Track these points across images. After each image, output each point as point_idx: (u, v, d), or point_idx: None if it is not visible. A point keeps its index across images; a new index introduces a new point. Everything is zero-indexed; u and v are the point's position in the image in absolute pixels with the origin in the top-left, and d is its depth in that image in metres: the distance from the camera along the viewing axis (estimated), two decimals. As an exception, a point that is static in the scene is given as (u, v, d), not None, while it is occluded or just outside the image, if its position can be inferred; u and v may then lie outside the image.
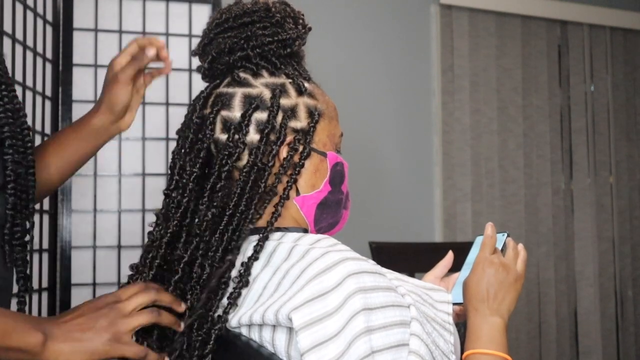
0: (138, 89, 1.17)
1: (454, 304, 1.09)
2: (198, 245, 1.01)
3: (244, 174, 1.01)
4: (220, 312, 0.97)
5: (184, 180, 1.04)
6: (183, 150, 1.07)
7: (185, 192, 1.04)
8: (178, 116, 1.81)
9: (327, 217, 1.07)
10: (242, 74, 1.06)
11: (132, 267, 1.05)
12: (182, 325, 0.99)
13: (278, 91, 1.04)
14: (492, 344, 1.00)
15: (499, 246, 1.10)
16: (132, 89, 1.15)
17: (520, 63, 3.10)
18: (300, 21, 1.10)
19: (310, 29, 1.11)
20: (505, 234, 1.13)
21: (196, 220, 1.03)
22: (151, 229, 1.06)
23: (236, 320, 0.96)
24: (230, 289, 0.98)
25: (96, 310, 0.91)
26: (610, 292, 3.25)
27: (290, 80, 1.06)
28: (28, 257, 1.02)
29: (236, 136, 1.02)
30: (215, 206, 1.01)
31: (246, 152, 1.02)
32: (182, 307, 1.00)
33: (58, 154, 1.18)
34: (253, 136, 1.02)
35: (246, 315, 0.94)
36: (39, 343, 0.84)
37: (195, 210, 1.04)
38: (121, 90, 1.13)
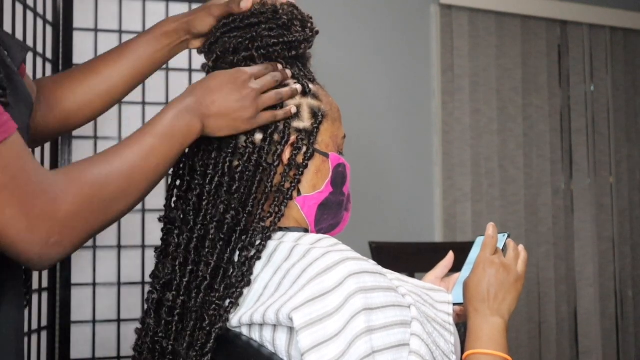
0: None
1: (455, 304, 1.09)
2: (214, 245, 1.00)
3: (248, 173, 1.01)
4: (221, 310, 0.97)
5: (196, 182, 1.03)
6: (188, 149, 1.06)
7: (202, 194, 1.02)
8: (178, 116, 1.81)
9: (328, 218, 1.07)
10: None
11: (152, 275, 1.05)
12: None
13: None
14: (493, 344, 1.00)
15: (500, 246, 1.10)
16: (212, 25, 1.13)
17: (520, 63, 3.10)
18: (309, 25, 1.11)
19: (317, 32, 1.12)
20: (506, 235, 1.13)
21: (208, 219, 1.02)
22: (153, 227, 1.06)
23: (237, 319, 0.96)
24: (232, 288, 0.98)
25: (239, 92, 1.00)
26: (610, 292, 3.25)
27: (294, 81, 1.07)
28: None
29: (240, 135, 1.02)
30: (221, 207, 1.00)
31: (250, 152, 1.03)
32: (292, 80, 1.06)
33: (122, 59, 1.14)
34: (257, 136, 1.03)
35: (247, 314, 0.94)
36: (199, 129, 0.98)
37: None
38: (203, 18, 1.13)
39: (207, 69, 1.12)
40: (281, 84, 1.05)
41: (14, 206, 0.79)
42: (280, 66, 1.06)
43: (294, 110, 1.04)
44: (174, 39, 1.16)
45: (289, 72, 1.07)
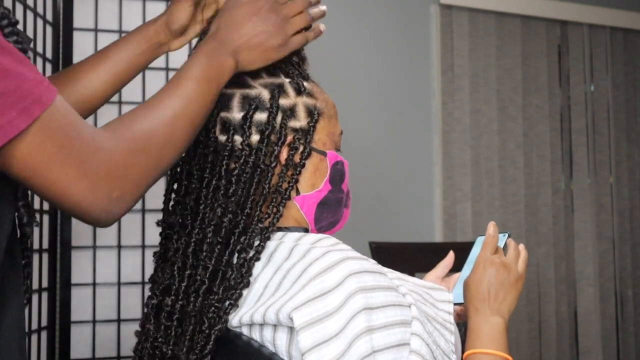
0: (197, 20, 1.16)
1: (455, 304, 1.09)
2: (212, 249, 1.00)
3: (245, 175, 1.01)
4: (221, 312, 0.97)
5: (194, 185, 1.03)
6: (185, 153, 1.06)
7: (200, 198, 1.02)
8: (178, 116, 1.81)
9: (328, 216, 1.06)
10: (240, 74, 1.05)
11: (151, 279, 1.05)
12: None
13: (277, 91, 1.04)
14: (493, 344, 1.00)
15: (500, 246, 1.10)
16: (192, 13, 1.13)
17: (520, 63, 3.10)
18: None
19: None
20: (507, 234, 1.13)
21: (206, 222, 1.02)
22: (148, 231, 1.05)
23: (237, 319, 0.96)
24: (232, 290, 0.98)
25: (264, 22, 1.01)
26: (610, 292, 3.25)
27: (289, 80, 1.06)
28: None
29: (236, 137, 1.02)
30: (219, 210, 1.00)
31: (247, 154, 1.02)
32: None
33: (102, 63, 1.13)
34: (253, 137, 1.02)
35: (247, 314, 0.94)
36: (233, 65, 0.99)
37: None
38: (181, 7, 1.12)
39: None
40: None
41: (74, 166, 0.79)
42: None
43: (323, 27, 1.05)
44: (154, 42, 1.15)
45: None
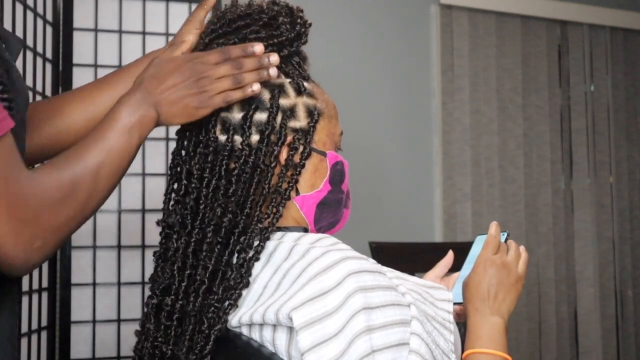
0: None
1: (455, 303, 1.09)
2: (211, 249, 1.00)
3: (245, 175, 1.01)
4: (220, 312, 0.97)
5: (193, 185, 1.03)
6: (185, 153, 1.06)
7: (200, 198, 1.02)
8: (178, 116, 1.81)
9: (327, 216, 1.06)
10: None
11: (151, 279, 1.05)
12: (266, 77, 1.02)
13: (277, 91, 1.03)
14: (492, 344, 1.00)
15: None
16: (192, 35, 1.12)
17: (520, 63, 3.10)
18: (299, 20, 1.07)
19: (310, 24, 1.09)
20: (505, 234, 1.13)
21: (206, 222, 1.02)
22: (154, 230, 1.05)
23: (237, 319, 0.96)
24: (231, 290, 0.98)
25: (186, 78, 0.99)
26: (610, 292, 3.25)
27: (289, 80, 1.06)
28: None
29: (236, 137, 1.02)
30: (219, 210, 1.00)
31: (247, 154, 1.02)
32: (275, 58, 1.01)
33: (85, 103, 1.13)
34: (253, 137, 1.02)
35: (247, 314, 0.94)
36: (156, 117, 0.99)
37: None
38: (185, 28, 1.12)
39: None
40: (265, 68, 1.01)
41: (2, 207, 0.79)
42: (259, 47, 1.01)
43: (256, 88, 1.00)
44: None
45: (274, 58, 1.02)
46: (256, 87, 1.00)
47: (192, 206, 1.02)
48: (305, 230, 1.05)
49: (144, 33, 1.99)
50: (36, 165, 1.08)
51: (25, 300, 1.63)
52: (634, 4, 3.39)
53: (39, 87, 1.77)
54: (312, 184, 1.05)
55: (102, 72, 1.95)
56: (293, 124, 1.04)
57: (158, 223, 1.09)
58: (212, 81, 0.99)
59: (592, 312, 3.16)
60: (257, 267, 0.99)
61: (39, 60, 1.78)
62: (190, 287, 0.99)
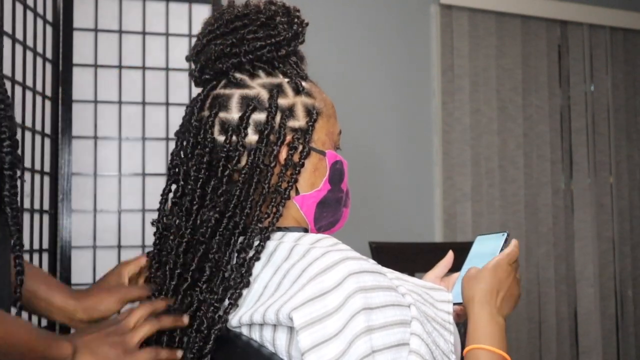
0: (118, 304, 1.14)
1: (454, 303, 1.09)
2: (206, 250, 1.00)
3: (244, 175, 1.01)
4: (220, 312, 0.97)
5: (190, 187, 1.03)
6: (183, 154, 1.06)
7: (194, 199, 1.02)
8: (178, 116, 1.81)
9: (327, 215, 1.06)
10: (238, 75, 1.05)
11: (145, 280, 1.05)
12: (185, 318, 1.00)
13: (275, 91, 1.03)
14: (494, 341, 1.00)
15: (499, 245, 1.11)
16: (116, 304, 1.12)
17: (520, 63, 3.10)
18: (296, 19, 1.07)
19: (307, 24, 1.09)
20: (505, 234, 1.13)
21: (198, 223, 1.02)
22: (150, 230, 1.06)
23: (237, 319, 0.96)
24: (231, 289, 0.98)
25: (106, 328, 1.00)
26: (610, 292, 3.25)
27: (287, 80, 1.05)
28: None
29: (234, 138, 1.02)
30: (218, 210, 1.00)
31: (245, 154, 1.02)
32: (185, 320, 1.00)
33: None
34: (252, 137, 1.02)
35: (247, 314, 0.94)
36: (70, 354, 0.94)
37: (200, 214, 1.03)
38: (109, 301, 1.12)
39: (194, 78, 1.10)
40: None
41: None
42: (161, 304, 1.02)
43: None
44: (67, 312, 1.13)
45: (161, 303, 1.02)
46: (186, 319, 1.00)
47: (187, 207, 1.02)
48: (306, 230, 1.05)
49: (144, 33, 1.99)
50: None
51: (25, 300, 1.63)
52: (634, 4, 3.39)
53: (39, 87, 1.77)
54: (312, 183, 1.05)
55: (102, 72, 1.95)
56: (292, 123, 1.04)
57: (153, 223, 1.09)
58: (134, 350, 0.99)
59: (592, 312, 3.16)
60: (257, 267, 0.99)
61: (39, 60, 1.78)
62: (184, 285, 1.00)
